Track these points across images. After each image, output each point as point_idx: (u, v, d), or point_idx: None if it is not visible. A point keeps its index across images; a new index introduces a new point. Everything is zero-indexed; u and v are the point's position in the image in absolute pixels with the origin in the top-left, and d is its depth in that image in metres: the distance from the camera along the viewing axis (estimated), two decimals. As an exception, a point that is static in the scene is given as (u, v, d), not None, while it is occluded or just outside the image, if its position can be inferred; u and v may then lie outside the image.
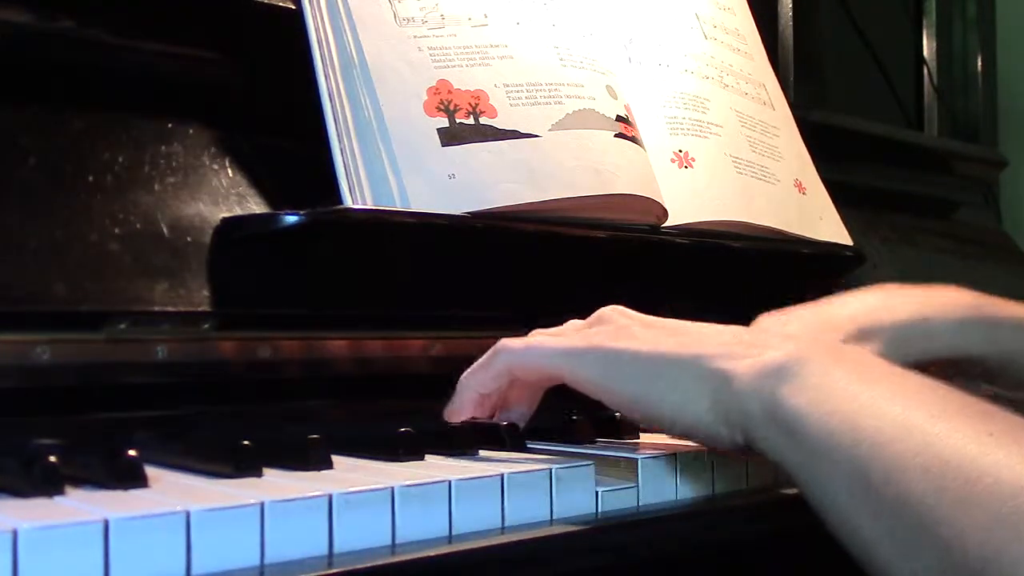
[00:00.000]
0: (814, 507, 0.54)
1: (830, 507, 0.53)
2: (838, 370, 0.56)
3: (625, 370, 0.62)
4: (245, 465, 0.54)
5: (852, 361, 0.57)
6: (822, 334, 0.72)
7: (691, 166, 0.96)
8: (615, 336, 0.64)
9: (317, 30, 0.77)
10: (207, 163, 0.75)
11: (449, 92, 0.79)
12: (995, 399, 0.62)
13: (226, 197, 0.75)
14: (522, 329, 0.76)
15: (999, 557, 0.46)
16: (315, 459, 0.57)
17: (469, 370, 0.67)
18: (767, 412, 0.56)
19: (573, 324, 0.69)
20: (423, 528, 0.52)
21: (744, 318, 0.75)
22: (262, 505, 0.47)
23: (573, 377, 0.64)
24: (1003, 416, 0.52)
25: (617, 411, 0.64)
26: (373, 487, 0.51)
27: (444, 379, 0.81)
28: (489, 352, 0.67)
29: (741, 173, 1.00)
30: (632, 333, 0.64)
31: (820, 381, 0.55)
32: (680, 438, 0.63)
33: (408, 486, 0.51)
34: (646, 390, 0.61)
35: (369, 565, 0.47)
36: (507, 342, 0.66)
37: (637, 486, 0.61)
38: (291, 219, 0.72)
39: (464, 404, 0.68)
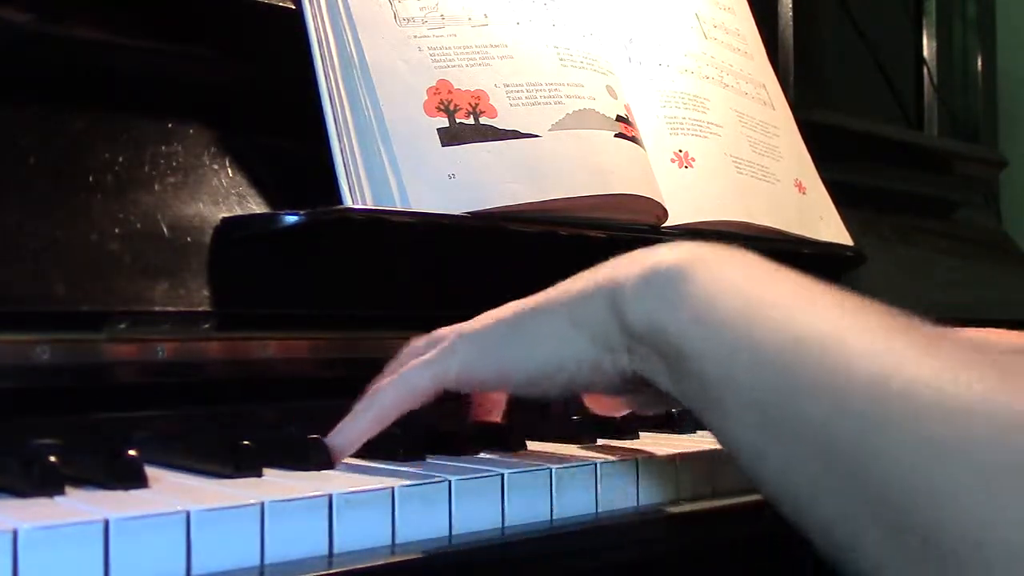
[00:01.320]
0: (722, 445, 0.47)
1: (735, 441, 0.46)
2: (729, 270, 0.49)
3: (495, 344, 0.56)
4: (245, 465, 0.54)
5: (743, 261, 0.50)
6: None
7: (691, 166, 0.96)
8: (472, 322, 0.58)
9: (317, 30, 0.77)
10: (207, 163, 0.75)
11: (449, 92, 0.79)
12: None
13: (226, 197, 0.75)
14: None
15: (926, 488, 0.39)
16: (315, 459, 0.57)
17: (347, 422, 0.59)
18: (653, 336, 0.49)
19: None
20: (423, 528, 0.52)
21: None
22: (262, 505, 0.47)
23: (449, 381, 0.58)
24: (911, 321, 0.45)
25: (513, 394, 0.59)
26: (373, 487, 0.51)
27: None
28: (364, 400, 0.59)
29: (741, 173, 1.00)
30: (490, 314, 0.58)
31: (709, 287, 0.47)
32: (583, 395, 0.59)
33: (408, 486, 0.52)
34: (520, 352, 0.55)
35: (369, 565, 0.47)
36: (378, 386, 0.60)
37: (637, 485, 0.61)
38: (291, 219, 0.72)
39: (352, 446, 0.60)
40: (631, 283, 0.50)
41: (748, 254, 0.50)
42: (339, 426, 0.59)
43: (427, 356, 0.58)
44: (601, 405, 0.70)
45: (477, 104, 0.80)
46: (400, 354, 0.64)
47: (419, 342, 0.63)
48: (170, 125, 0.75)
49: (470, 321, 0.59)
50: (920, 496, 0.39)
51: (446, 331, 0.61)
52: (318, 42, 0.77)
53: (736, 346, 0.45)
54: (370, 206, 0.73)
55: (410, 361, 0.60)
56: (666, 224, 0.91)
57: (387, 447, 0.62)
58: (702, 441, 0.70)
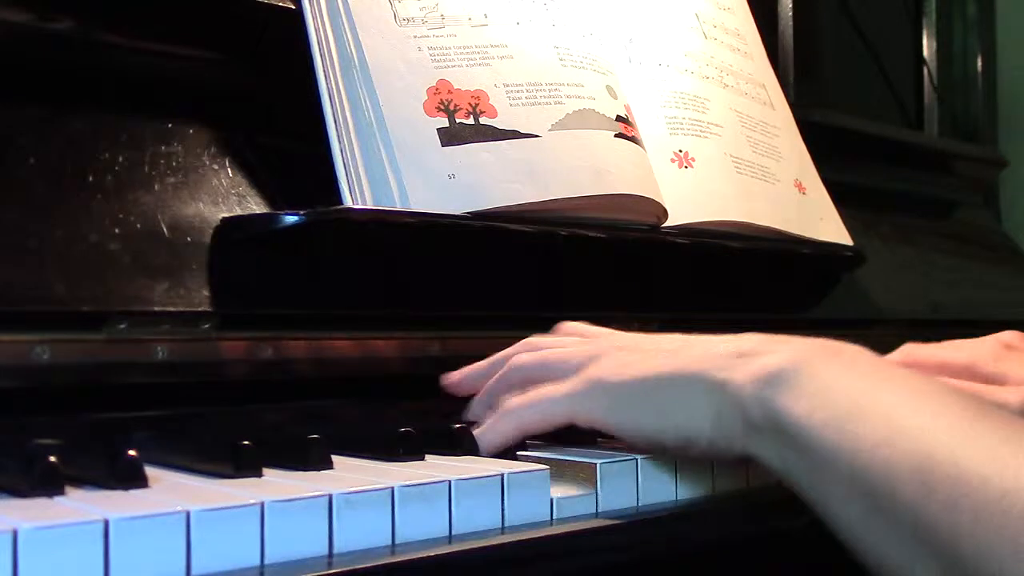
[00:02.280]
0: (821, 516, 0.53)
1: (835, 516, 0.52)
2: (835, 372, 0.55)
3: (628, 401, 0.62)
4: (245, 465, 0.54)
5: (850, 361, 0.56)
6: None
7: (691, 166, 0.96)
8: (612, 369, 0.64)
9: (317, 30, 0.77)
10: (207, 163, 0.75)
11: (449, 92, 0.79)
12: None
13: (226, 197, 0.75)
14: (521, 330, 0.76)
15: (990, 562, 0.45)
16: (315, 459, 0.57)
17: (479, 431, 0.65)
18: (768, 422, 0.55)
19: (562, 342, 0.70)
20: (423, 528, 0.52)
21: (744, 318, 0.74)
22: (262, 505, 0.47)
23: (580, 419, 0.64)
24: (1002, 416, 0.51)
25: (627, 441, 0.63)
26: (373, 487, 0.51)
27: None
28: (499, 414, 0.66)
29: (741, 173, 1.00)
30: (626, 361, 0.63)
31: (817, 386, 0.54)
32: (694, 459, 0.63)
33: (408, 486, 0.51)
34: (649, 417, 0.61)
35: (369, 565, 0.47)
36: (512, 402, 0.66)
37: (637, 485, 0.61)
38: (291, 219, 0.72)
39: (496, 449, 0.66)
40: (751, 380, 0.57)
41: (854, 351, 0.57)
42: (486, 428, 0.66)
43: (566, 389, 0.64)
44: None
45: (477, 104, 0.80)
46: (518, 353, 0.71)
47: (543, 340, 0.72)
48: (170, 125, 0.75)
49: (608, 357, 0.65)
50: None
51: (597, 344, 0.68)
52: (318, 42, 0.77)
53: (840, 442, 0.52)
54: (370, 206, 0.73)
55: (545, 383, 0.66)
56: (666, 224, 0.91)
57: (387, 447, 0.62)
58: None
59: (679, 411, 0.60)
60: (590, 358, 0.65)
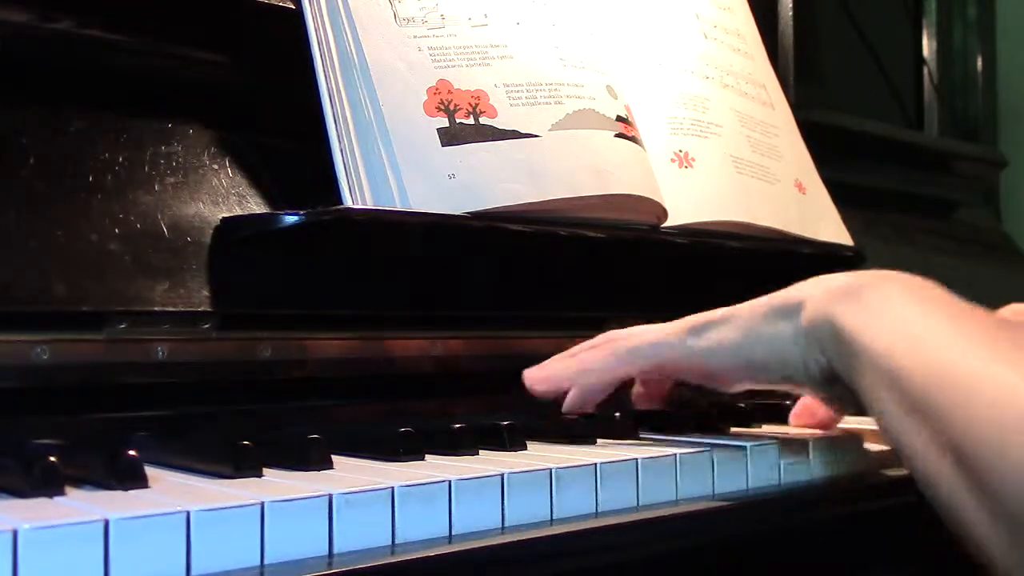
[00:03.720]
0: (874, 418, 0.60)
1: (879, 414, 0.59)
2: (888, 288, 0.62)
3: (723, 341, 0.69)
4: (245, 465, 0.54)
5: (904, 285, 0.63)
6: None
7: (691, 166, 0.96)
8: (702, 317, 0.71)
9: (317, 30, 0.77)
10: (207, 163, 0.75)
11: (449, 92, 0.79)
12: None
13: (226, 197, 0.75)
14: (522, 330, 0.76)
15: (1002, 459, 0.50)
16: (315, 459, 0.57)
17: (582, 370, 0.74)
18: (832, 329, 0.62)
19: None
20: (423, 528, 0.52)
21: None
22: (262, 505, 0.47)
23: (680, 363, 0.72)
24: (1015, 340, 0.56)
25: (723, 382, 0.71)
26: (373, 487, 0.51)
27: (444, 379, 0.81)
28: (605, 349, 0.74)
29: (741, 173, 1.00)
30: (714, 313, 0.71)
31: (870, 298, 0.62)
32: (782, 385, 0.70)
33: (408, 486, 0.52)
34: (744, 351, 0.68)
35: (369, 565, 0.47)
36: (611, 345, 0.74)
37: (637, 485, 0.61)
38: (291, 219, 0.72)
39: (586, 400, 0.75)
40: (822, 297, 0.64)
41: (918, 282, 0.63)
42: (547, 365, 0.75)
43: (657, 338, 0.72)
44: (644, 400, 0.80)
45: (477, 104, 0.80)
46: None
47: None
48: (170, 125, 0.75)
49: (692, 317, 0.72)
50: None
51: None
52: (318, 42, 0.77)
53: (884, 348, 0.59)
54: (370, 206, 0.73)
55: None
56: (666, 224, 0.91)
57: (387, 447, 0.62)
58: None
59: (774, 336, 0.67)
60: (681, 320, 0.72)
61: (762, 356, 0.68)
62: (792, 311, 0.66)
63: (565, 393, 0.76)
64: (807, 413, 0.80)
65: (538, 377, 0.77)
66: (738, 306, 0.70)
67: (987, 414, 0.51)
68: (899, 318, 0.60)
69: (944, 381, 0.54)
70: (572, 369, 0.76)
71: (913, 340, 0.58)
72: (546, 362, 0.78)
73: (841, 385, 0.64)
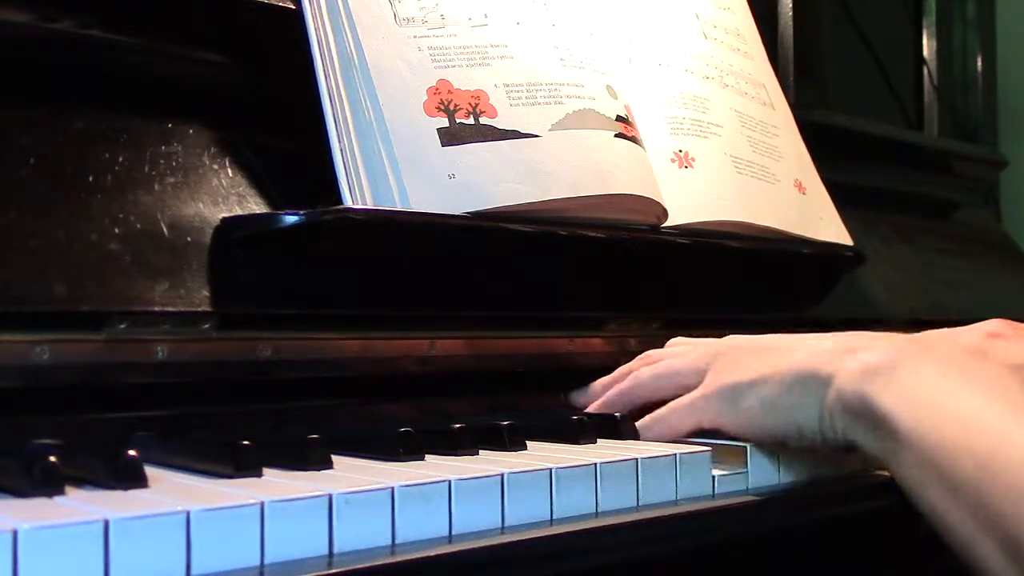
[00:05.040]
0: (906, 495, 0.61)
1: (918, 496, 0.59)
2: (925, 368, 0.62)
3: (747, 404, 0.69)
4: (245, 465, 0.54)
5: (939, 359, 0.63)
6: None
7: (691, 166, 0.96)
8: (729, 376, 0.71)
9: (317, 30, 0.77)
10: (207, 163, 0.75)
11: (449, 92, 0.79)
12: None
13: (226, 197, 0.75)
14: (521, 331, 0.76)
15: None
16: (315, 459, 0.57)
17: (657, 425, 0.74)
18: (864, 410, 0.62)
19: (674, 352, 0.78)
20: (423, 528, 0.52)
21: (744, 318, 0.75)
22: (262, 505, 0.47)
23: (705, 425, 0.72)
24: None
25: (748, 439, 0.70)
26: (373, 487, 0.51)
27: (444, 379, 0.81)
28: (652, 421, 0.75)
29: (741, 173, 1.00)
30: (739, 366, 0.71)
31: (907, 380, 0.61)
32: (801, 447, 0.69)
33: (408, 486, 0.52)
34: (767, 416, 0.68)
35: (369, 565, 0.47)
36: (643, 422, 0.74)
37: (637, 485, 0.61)
38: (291, 219, 0.72)
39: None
40: (852, 373, 0.64)
41: (945, 350, 0.64)
42: (653, 423, 0.74)
43: (690, 401, 0.73)
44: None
45: (477, 104, 0.80)
46: (652, 364, 0.79)
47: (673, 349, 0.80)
48: (170, 125, 0.75)
49: (721, 362, 0.73)
50: None
51: (703, 353, 0.75)
52: (318, 42, 0.77)
53: (919, 430, 0.59)
54: (370, 206, 0.73)
55: (674, 390, 0.75)
56: (666, 224, 0.91)
57: (387, 447, 0.62)
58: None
59: (793, 407, 0.67)
60: (706, 366, 0.74)
61: (784, 428, 0.68)
62: (820, 383, 0.65)
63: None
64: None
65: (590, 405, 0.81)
66: (768, 369, 0.69)
67: None
68: (941, 402, 0.59)
69: (996, 475, 0.54)
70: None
71: (957, 429, 0.57)
72: (594, 389, 0.81)
73: (858, 452, 0.65)
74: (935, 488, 0.58)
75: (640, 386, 0.78)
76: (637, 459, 0.62)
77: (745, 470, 0.68)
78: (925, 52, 1.73)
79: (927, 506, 0.59)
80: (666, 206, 0.89)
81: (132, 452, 0.53)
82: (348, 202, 0.73)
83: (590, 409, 0.80)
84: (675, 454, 0.64)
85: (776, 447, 0.69)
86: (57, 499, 0.48)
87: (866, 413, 0.62)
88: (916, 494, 0.60)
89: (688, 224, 0.93)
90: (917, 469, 0.59)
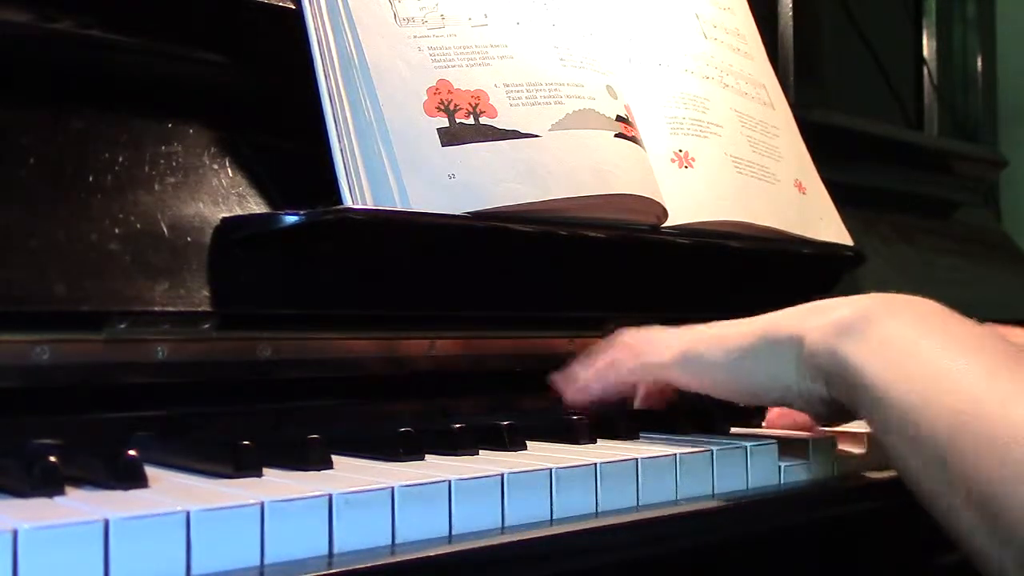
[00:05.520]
0: (883, 449, 0.61)
1: (889, 446, 0.60)
2: (899, 324, 0.62)
3: (724, 365, 0.70)
4: (245, 465, 0.54)
5: (916, 316, 0.62)
6: None
7: (691, 166, 0.96)
8: (706, 341, 0.72)
9: (317, 30, 0.77)
10: (207, 163, 0.75)
11: (449, 92, 0.79)
12: None
13: (226, 197, 0.75)
14: (521, 331, 0.76)
15: (1006, 494, 0.51)
16: (315, 459, 0.57)
17: (594, 376, 0.76)
18: (837, 366, 0.62)
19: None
20: (423, 528, 0.52)
21: (744, 318, 0.75)
22: (262, 505, 0.47)
23: (681, 383, 0.74)
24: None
25: (720, 398, 0.72)
26: (373, 487, 0.51)
27: (444, 379, 0.81)
28: (605, 367, 0.77)
29: (741, 173, 1.00)
30: (717, 334, 0.72)
31: (878, 335, 0.61)
32: (778, 406, 0.72)
33: (408, 486, 0.52)
34: (744, 376, 0.69)
35: (369, 565, 0.47)
36: (622, 364, 0.76)
37: (637, 485, 0.61)
38: (291, 219, 0.72)
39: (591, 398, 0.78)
40: (823, 330, 0.64)
41: (915, 305, 0.64)
42: (591, 375, 0.77)
43: (668, 357, 0.73)
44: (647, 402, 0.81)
45: (477, 104, 0.80)
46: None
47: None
48: (170, 125, 0.75)
49: (699, 332, 0.73)
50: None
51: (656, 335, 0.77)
52: (318, 42, 0.77)
53: (892, 382, 0.59)
54: (370, 206, 0.73)
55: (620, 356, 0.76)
56: (666, 224, 0.91)
57: (387, 447, 0.62)
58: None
59: (769, 367, 0.67)
60: (683, 334, 0.74)
61: (757, 384, 0.68)
62: (789, 344, 0.66)
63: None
64: (787, 415, 0.81)
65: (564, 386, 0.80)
66: (725, 331, 0.71)
67: (1013, 457, 0.52)
68: (913, 358, 0.59)
69: (963, 434, 0.54)
70: (588, 379, 0.78)
71: (928, 386, 0.57)
72: (570, 368, 0.80)
73: (840, 409, 0.65)
74: (905, 445, 0.58)
75: (624, 342, 0.78)
76: (637, 459, 0.62)
77: (744, 470, 0.68)
78: (925, 52, 1.73)
79: (900, 464, 0.59)
80: (666, 206, 0.89)
81: (132, 452, 0.53)
82: (348, 202, 0.73)
83: (576, 364, 0.80)
84: (675, 454, 0.64)
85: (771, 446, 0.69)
86: (57, 499, 0.48)
87: (838, 369, 0.62)
88: (890, 451, 0.60)
89: (688, 224, 0.93)
90: (889, 425, 0.59)
